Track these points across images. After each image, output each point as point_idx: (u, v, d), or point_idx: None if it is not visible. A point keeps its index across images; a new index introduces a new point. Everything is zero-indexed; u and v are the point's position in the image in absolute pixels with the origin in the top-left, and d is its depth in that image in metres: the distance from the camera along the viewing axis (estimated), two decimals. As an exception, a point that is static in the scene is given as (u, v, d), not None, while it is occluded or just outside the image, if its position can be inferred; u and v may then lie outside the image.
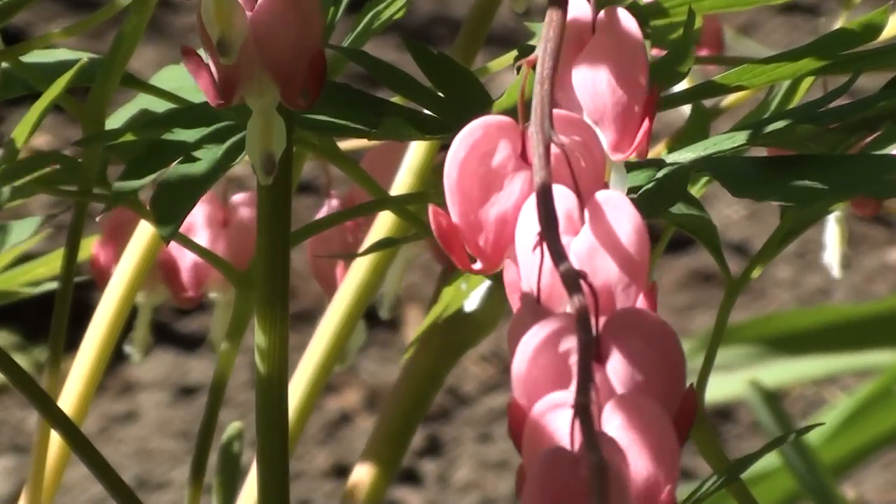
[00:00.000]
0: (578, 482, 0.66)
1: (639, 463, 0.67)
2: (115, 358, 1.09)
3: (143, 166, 0.90)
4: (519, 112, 0.70)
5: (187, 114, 0.91)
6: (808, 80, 0.98)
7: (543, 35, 0.71)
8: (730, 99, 0.98)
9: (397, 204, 1.00)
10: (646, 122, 0.73)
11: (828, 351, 2.18)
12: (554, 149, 0.69)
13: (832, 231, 1.05)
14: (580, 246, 0.69)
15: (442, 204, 0.71)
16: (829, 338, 2.18)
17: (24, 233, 0.75)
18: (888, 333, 1.95)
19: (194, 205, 0.91)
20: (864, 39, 0.98)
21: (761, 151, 1.00)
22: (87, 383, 1.06)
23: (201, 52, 0.85)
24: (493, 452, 2.45)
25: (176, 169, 0.89)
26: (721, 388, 2.12)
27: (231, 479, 1.03)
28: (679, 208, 0.92)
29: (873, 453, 2.08)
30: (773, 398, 1.95)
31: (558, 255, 0.68)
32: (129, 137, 0.91)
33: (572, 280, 0.68)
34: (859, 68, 0.98)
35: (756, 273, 1.03)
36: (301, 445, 2.34)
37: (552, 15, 0.70)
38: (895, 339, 1.85)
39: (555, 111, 0.70)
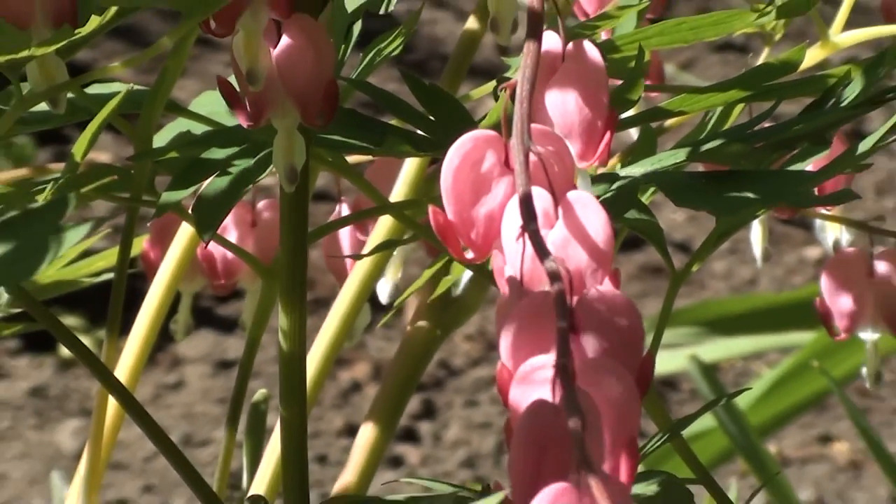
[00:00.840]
0: (559, 429, 0.66)
1: (608, 414, 0.67)
2: (166, 337, 1.08)
3: (186, 179, 0.89)
4: (502, 127, 0.70)
5: (222, 135, 0.91)
6: (739, 107, 0.97)
7: (522, 63, 0.70)
8: (672, 121, 0.97)
9: (395, 209, 0.99)
10: (607, 136, 0.73)
11: (755, 332, 2.17)
12: (532, 157, 0.69)
13: (757, 232, 1.05)
14: (556, 237, 0.69)
15: (438, 204, 0.71)
16: (755, 321, 2.17)
17: (79, 234, 0.74)
18: (805, 317, 1.95)
19: (229, 212, 0.91)
20: (783, 73, 0.98)
21: (699, 166, 1.00)
22: (138, 358, 1.06)
23: (234, 81, 0.85)
24: (478, 415, 2.44)
25: (213, 182, 0.89)
26: (666, 362, 2.12)
27: (258, 437, 1.03)
28: (632, 213, 0.92)
29: (792, 417, 2.07)
30: (710, 370, 1.95)
31: (538, 245, 0.68)
32: (173, 155, 0.90)
33: (550, 265, 0.67)
34: (780, 97, 0.97)
35: (695, 267, 1.03)
36: (319, 410, 2.34)
37: (529, 46, 0.70)
38: (811, 322, 1.84)
39: (532, 126, 0.69)
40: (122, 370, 1.06)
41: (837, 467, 2.38)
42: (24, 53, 0.83)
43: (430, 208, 0.71)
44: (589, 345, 0.67)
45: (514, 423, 0.67)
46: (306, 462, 0.94)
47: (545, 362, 0.67)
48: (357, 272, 1.07)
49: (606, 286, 0.69)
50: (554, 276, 0.68)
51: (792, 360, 1.98)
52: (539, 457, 0.66)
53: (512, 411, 0.68)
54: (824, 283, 1.03)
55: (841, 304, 1.02)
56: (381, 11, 0.95)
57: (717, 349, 2.15)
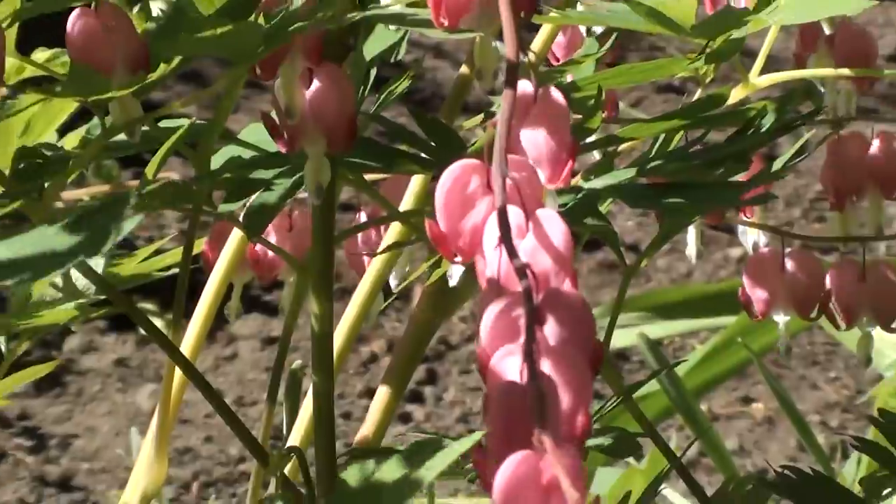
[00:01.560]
0: (525, 404, 0.65)
1: (565, 391, 0.66)
2: (222, 319, 1.08)
3: (237, 194, 0.89)
4: (485, 156, 0.69)
5: (265, 159, 0.90)
6: (679, 133, 0.96)
7: (502, 105, 0.70)
8: (626, 145, 0.96)
9: (404, 217, 0.99)
10: (569, 163, 0.72)
11: (690, 315, 2.17)
12: (508, 181, 0.68)
13: (692, 234, 1.04)
14: (526, 246, 0.68)
15: (434, 218, 0.70)
16: (690, 306, 2.17)
17: (133, 224, 0.74)
18: (730, 304, 1.94)
19: (271, 220, 0.91)
20: (713, 107, 0.97)
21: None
22: (199, 336, 1.05)
23: (275, 116, 0.84)
24: (471, 381, 2.43)
25: (259, 196, 0.88)
26: (620, 339, 2.11)
27: (296, 399, 1.02)
28: (591, 220, 0.92)
29: (719, 382, 2.07)
30: (654, 345, 1.94)
31: (512, 252, 0.67)
32: (226, 175, 0.90)
33: (521, 269, 0.67)
34: (710, 126, 0.97)
35: (644, 263, 1.02)
36: (343, 376, 2.33)
37: (507, 91, 0.69)
38: (734, 308, 1.83)
39: (509, 156, 0.69)
40: (186, 346, 1.05)
41: (755, 422, 2.37)
42: (108, 94, 0.83)
43: (427, 221, 0.70)
44: (551, 334, 0.67)
45: (490, 397, 0.67)
46: (333, 418, 0.93)
47: (515, 349, 0.67)
48: (373, 267, 1.06)
49: (567, 286, 0.69)
50: (523, 278, 0.68)
51: (719, 337, 1.97)
52: (509, 424, 0.66)
53: (488, 387, 0.67)
54: (745, 276, 1.03)
55: (758, 292, 1.02)
56: (392, 60, 0.95)
57: (660, 329, 2.14)
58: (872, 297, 1.02)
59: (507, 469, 0.65)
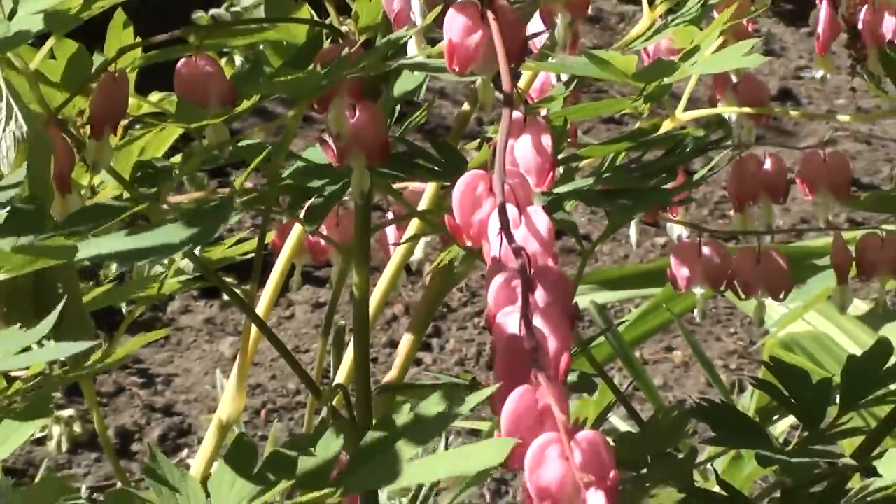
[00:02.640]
0: (523, 350, 0.65)
1: (552, 340, 0.66)
2: (285, 289, 1.07)
3: (299, 198, 0.88)
4: (489, 168, 0.69)
5: (320, 171, 0.90)
6: (623, 153, 0.96)
7: (500, 130, 0.69)
8: (584, 162, 0.96)
9: (421, 215, 0.99)
10: (551, 173, 0.72)
11: (627, 287, 2.16)
12: (506, 186, 0.68)
13: (633, 227, 1.03)
14: (520, 234, 0.68)
15: (450, 214, 0.70)
16: (628, 281, 2.16)
17: (233, 220, 0.74)
18: (657, 279, 1.94)
19: (325, 217, 0.90)
20: (649, 134, 0.97)
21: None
22: (269, 301, 1.05)
23: (328, 139, 0.84)
24: (466, 335, 2.43)
25: (315, 199, 0.88)
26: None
27: (340, 348, 1.02)
28: (560, 214, 0.91)
29: (649, 336, 2.06)
30: (602, 309, 1.95)
31: (510, 238, 0.67)
32: (290, 182, 0.90)
33: (517, 250, 0.67)
34: (647, 148, 0.96)
35: (595, 249, 1.02)
36: (373, 332, 2.33)
37: (504, 120, 0.69)
38: (660, 282, 1.83)
39: (507, 167, 0.69)
40: (259, 309, 1.05)
41: (675, 366, 2.37)
42: (204, 122, 0.83)
43: (446, 216, 0.70)
44: (540, 299, 0.67)
45: (497, 346, 0.67)
46: (368, 363, 0.93)
47: (515, 310, 0.67)
48: (397, 253, 1.06)
49: (550, 263, 0.69)
50: (518, 257, 0.67)
51: (649, 304, 1.97)
52: (511, 365, 0.66)
53: (495, 338, 0.67)
54: (672, 258, 1.02)
55: (682, 271, 1.01)
56: (409, 100, 0.95)
57: (606, 297, 2.14)
58: (764, 275, 1.01)
59: (512, 399, 0.65)
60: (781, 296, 1.02)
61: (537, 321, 0.66)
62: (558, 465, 0.63)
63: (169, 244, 0.76)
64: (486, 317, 0.68)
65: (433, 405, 0.73)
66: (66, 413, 2.13)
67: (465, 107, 1.04)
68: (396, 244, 1.05)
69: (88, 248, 0.74)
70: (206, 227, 0.76)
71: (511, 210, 0.69)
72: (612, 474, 0.63)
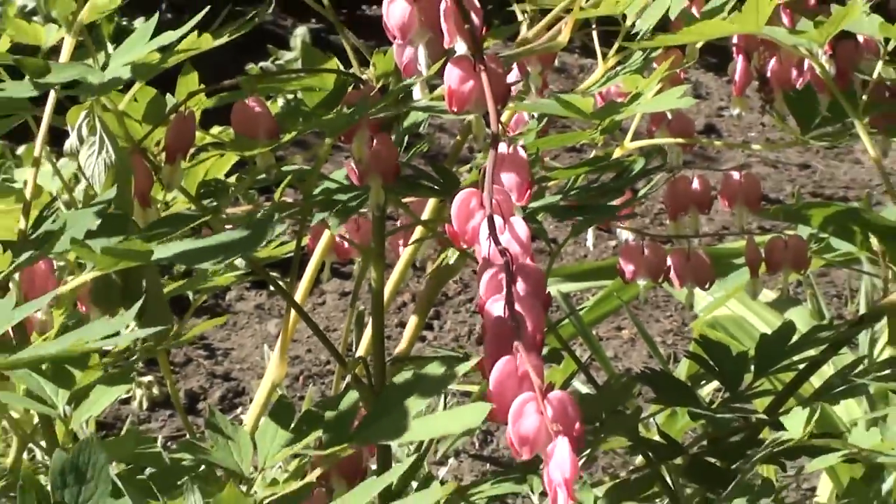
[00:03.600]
0: (507, 329, 0.65)
1: (529, 321, 0.65)
2: (317, 281, 1.07)
3: (327, 208, 0.88)
4: (480, 186, 0.69)
5: (344, 189, 0.89)
6: (583, 176, 0.96)
7: (489, 156, 0.69)
8: (552, 182, 0.95)
9: (424, 223, 0.98)
10: (529, 191, 0.71)
11: (586, 280, 2.15)
12: (493, 201, 0.68)
13: (590, 233, 1.03)
14: (504, 238, 0.67)
15: (449, 223, 0.70)
16: (586, 275, 2.15)
17: (280, 229, 0.73)
18: (609, 273, 1.93)
19: (347, 222, 0.90)
20: (604, 160, 0.97)
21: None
22: (305, 291, 1.04)
23: (352, 163, 0.84)
24: (460, 317, 2.42)
25: (339, 209, 0.87)
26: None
27: (361, 327, 1.02)
28: (534, 224, 0.91)
29: (603, 318, 2.06)
30: (566, 297, 1.94)
31: (497, 242, 0.67)
32: (322, 198, 0.89)
33: (502, 251, 0.66)
34: (602, 171, 0.96)
35: (561, 250, 1.01)
36: (386, 315, 2.33)
37: (492, 148, 0.69)
38: (612, 276, 1.82)
39: (493, 186, 0.68)
40: (298, 296, 1.04)
41: (624, 341, 2.37)
42: (255, 151, 0.82)
43: (446, 225, 0.70)
44: (521, 289, 0.66)
45: (486, 325, 0.67)
46: (383, 340, 0.92)
47: (500, 297, 0.66)
48: (405, 253, 1.05)
49: (528, 261, 0.68)
50: (503, 256, 0.67)
51: (603, 293, 1.96)
52: (498, 340, 0.65)
53: (485, 320, 0.67)
54: (621, 257, 1.02)
55: (629, 267, 1.01)
56: (418, 132, 0.94)
57: (569, 287, 2.13)
58: (693, 270, 1.01)
59: (498, 366, 0.65)
60: (707, 286, 1.02)
61: (518, 306, 0.66)
62: (535, 418, 0.63)
63: (228, 249, 0.75)
64: (477, 303, 0.68)
65: (434, 370, 0.73)
66: (146, 379, 2.12)
67: (458, 138, 1.03)
68: (405, 245, 1.05)
69: (164, 251, 0.74)
70: (256, 235, 0.76)
71: (497, 220, 0.68)
72: (576, 426, 0.63)
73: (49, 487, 0.58)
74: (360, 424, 0.73)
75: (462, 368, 0.71)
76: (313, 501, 0.78)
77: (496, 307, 0.66)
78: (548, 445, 0.63)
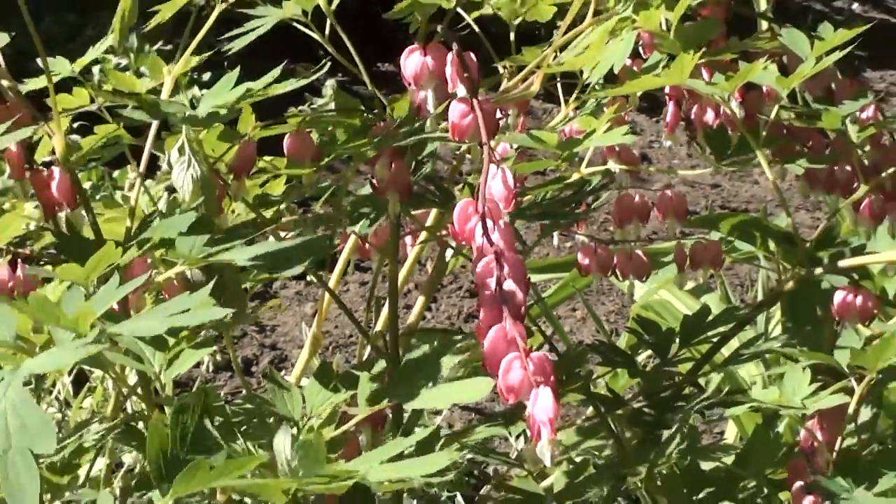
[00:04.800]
0: (498, 304, 0.65)
1: (515, 297, 0.66)
2: (345, 273, 1.06)
3: (355, 220, 0.88)
4: (475, 197, 0.69)
5: (368, 201, 0.89)
6: (550, 192, 0.96)
7: (482, 173, 0.69)
8: (526, 197, 0.95)
9: (428, 229, 0.98)
10: (514, 201, 0.72)
11: (549, 272, 2.15)
12: (486, 208, 0.68)
13: (556, 235, 1.03)
14: (496, 237, 0.68)
15: (451, 225, 0.70)
16: (550, 268, 2.14)
17: (332, 242, 0.74)
18: (567, 267, 1.93)
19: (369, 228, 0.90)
20: (565, 180, 0.97)
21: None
22: (336, 281, 1.04)
23: (373, 182, 0.84)
24: (453, 302, 2.41)
25: (365, 219, 0.88)
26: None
27: (378, 309, 1.01)
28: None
29: (562, 302, 2.05)
30: (534, 285, 1.92)
31: (489, 239, 0.67)
32: (349, 209, 0.89)
33: (495, 247, 0.66)
34: (564, 188, 0.96)
35: (532, 249, 1.01)
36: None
37: (485, 166, 0.69)
38: (570, 269, 1.82)
39: (486, 196, 0.69)
40: (330, 284, 1.04)
41: (577, 320, 2.37)
42: (303, 171, 0.82)
43: (449, 226, 0.70)
44: (507, 273, 0.67)
45: (481, 301, 0.67)
46: (397, 318, 0.92)
47: (492, 279, 0.66)
48: (413, 251, 1.05)
49: (513, 254, 0.69)
50: (493, 248, 0.67)
51: (562, 282, 1.96)
52: (491, 311, 0.66)
53: (480, 295, 0.67)
54: (579, 255, 1.02)
55: (585, 262, 1.01)
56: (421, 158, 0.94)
57: (536, 278, 2.11)
58: (634, 266, 1.01)
59: (491, 332, 0.65)
60: (644, 279, 1.02)
61: (506, 285, 0.66)
62: (520, 372, 0.64)
63: (300, 253, 0.74)
64: (474, 283, 0.68)
65: (436, 346, 0.73)
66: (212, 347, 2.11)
67: (454, 163, 1.03)
68: (412, 246, 1.05)
69: (246, 253, 0.73)
70: (319, 246, 0.75)
71: (489, 223, 0.69)
72: (552, 378, 0.64)
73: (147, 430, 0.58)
74: (386, 388, 0.73)
75: (457, 341, 0.71)
76: (350, 444, 0.78)
77: (489, 286, 0.66)
78: (528, 394, 0.63)
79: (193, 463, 0.51)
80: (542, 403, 0.63)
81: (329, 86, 2.61)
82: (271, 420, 0.74)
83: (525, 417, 0.63)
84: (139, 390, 0.80)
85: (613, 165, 1.00)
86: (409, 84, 0.74)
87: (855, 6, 3.02)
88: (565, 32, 0.82)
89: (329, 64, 0.85)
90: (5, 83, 0.73)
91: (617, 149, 1.00)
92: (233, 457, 0.57)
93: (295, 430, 0.71)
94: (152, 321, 0.57)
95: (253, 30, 0.81)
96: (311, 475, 0.56)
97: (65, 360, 0.56)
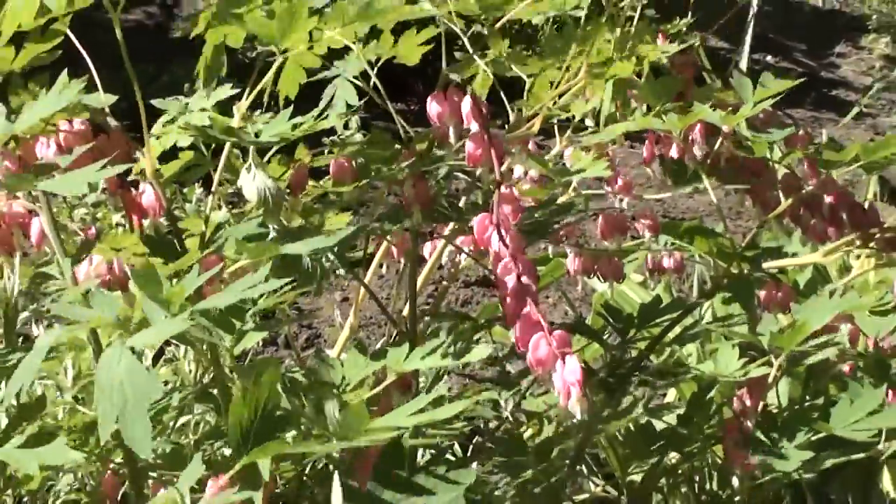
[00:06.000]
0: (517, 293, 0.65)
1: (530, 288, 0.65)
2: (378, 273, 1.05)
3: (386, 232, 0.86)
4: (491, 211, 0.68)
5: (397, 213, 0.88)
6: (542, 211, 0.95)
7: (495, 195, 0.69)
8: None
9: (446, 238, 0.96)
10: (519, 215, 0.71)
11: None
12: (500, 219, 0.68)
13: (550, 247, 1.02)
14: (507, 241, 0.67)
15: (472, 234, 0.69)
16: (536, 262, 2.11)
17: (355, 236, 0.72)
18: (542, 262, 1.90)
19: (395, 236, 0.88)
20: (554, 202, 0.96)
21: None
22: (371, 276, 1.02)
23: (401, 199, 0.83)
24: (453, 289, 2.39)
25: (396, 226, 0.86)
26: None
27: (404, 299, 1.00)
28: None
29: (541, 291, 2.01)
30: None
31: (504, 244, 0.67)
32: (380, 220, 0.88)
33: (511, 251, 0.66)
34: (548, 207, 0.96)
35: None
36: (420, 295, 2.28)
37: (497, 190, 0.69)
38: (545, 263, 1.79)
39: (501, 211, 0.68)
40: (366, 279, 1.02)
41: (550, 304, 2.35)
42: (347, 188, 0.81)
43: (470, 236, 0.70)
44: (520, 270, 0.67)
45: (503, 292, 0.66)
46: (416, 304, 0.90)
47: (512, 276, 0.66)
48: (433, 255, 1.02)
49: (524, 257, 0.68)
50: (507, 251, 0.67)
51: (542, 274, 1.93)
52: (513, 300, 0.65)
53: (501, 289, 0.66)
54: (569, 261, 1.00)
55: (573, 265, 1.00)
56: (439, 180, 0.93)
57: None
58: (613, 270, 1.00)
59: (522, 317, 0.64)
60: (621, 281, 1.01)
61: (522, 279, 0.66)
62: (546, 348, 0.63)
63: (326, 246, 0.74)
64: (494, 280, 0.67)
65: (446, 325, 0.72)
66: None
67: (471, 180, 1.02)
68: (432, 251, 1.04)
69: (288, 248, 0.73)
70: (346, 241, 0.75)
71: (503, 231, 0.68)
72: (571, 350, 0.63)
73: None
74: (407, 360, 0.73)
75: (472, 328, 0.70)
76: (383, 406, 0.78)
77: (508, 280, 0.66)
78: (554, 364, 0.63)
79: (265, 445, 0.51)
80: (570, 368, 0.63)
81: (354, 120, 2.61)
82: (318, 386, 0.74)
83: (517, 382, 0.63)
84: (211, 361, 0.80)
85: (598, 192, 0.97)
86: (434, 121, 0.74)
87: (769, 58, 3.03)
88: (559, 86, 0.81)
89: (359, 104, 0.84)
90: (112, 122, 0.73)
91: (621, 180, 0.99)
92: (294, 420, 0.57)
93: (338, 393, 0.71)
94: (227, 296, 0.58)
95: (335, 75, 0.80)
96: (355, 432, 0.56)
97: (160, 336, 0.56)
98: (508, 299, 0.65)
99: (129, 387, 0.53)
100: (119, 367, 0.54)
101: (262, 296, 0.66)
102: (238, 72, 0.81)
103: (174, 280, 0.66)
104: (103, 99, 0.69)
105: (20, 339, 0.98)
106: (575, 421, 0.61)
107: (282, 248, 0.71)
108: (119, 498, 0.78)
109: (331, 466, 0.67)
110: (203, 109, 0.76)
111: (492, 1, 0.76)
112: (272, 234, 0.73)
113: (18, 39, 0.69)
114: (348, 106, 0.85)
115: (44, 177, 0.63)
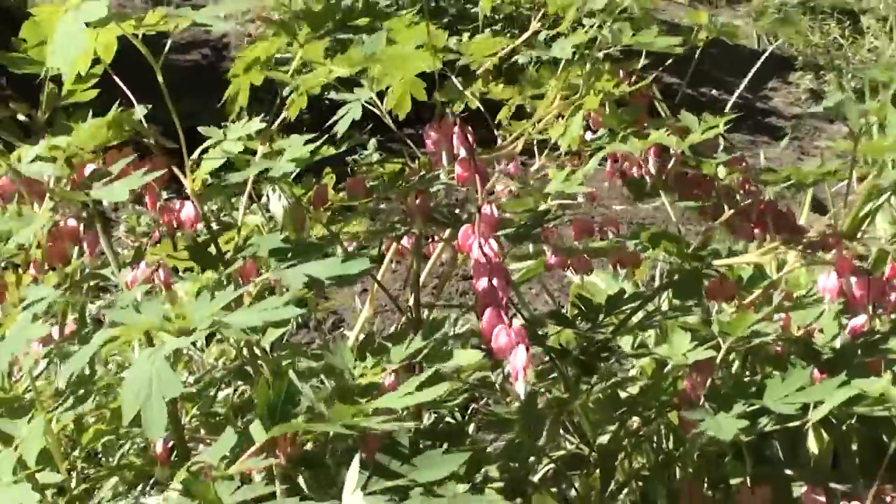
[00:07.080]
0: (489, 294, 0.63)
1: (501, 291, 0.64)
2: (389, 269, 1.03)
3: (397, 235, 0.85)
4: (473, 224, 0.67)
5: (403, 222, 0.87)
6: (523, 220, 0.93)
7: (477, 211, 0.67)
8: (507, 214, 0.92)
9: (444, 240, 0.94)
10: (497, 227, 0.70)
11: (522, 262, 2.08)
12: (480, 230, 0.66)
13: (530, 245, 1.00)
14: (487, 248, 0.66)
15: (457, 241, 0.68)
16: (522, 258, 2.07)
17: (366, 262, 0.70)
18: (531, 258, 1.84)
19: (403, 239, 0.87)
20: (535, 210, 0.94)
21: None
22: (385, 271, 1.00)
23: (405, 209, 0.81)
24: (453, 282, 2.36)
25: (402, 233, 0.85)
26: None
27: (412, 291, 0.98)
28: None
29: (526, 283, 1.95)
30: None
31: (483, 253, 0.65)
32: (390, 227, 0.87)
33: (486, 257, 0.65)
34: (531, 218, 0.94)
35: (509, 254, 0.97)
36: (422, 288, 2.25)
37: (482, 207, 0.67)
38: (532, 258, 1.74)
39: (481, 223, 0.67)
40: (379, 276, 1.01)
41: (534, 294, 2.32)
42: (365, 202, 0.80)
43: (455, 242, 0.68)
44: (493, 273, 0.65)
45: (477, 293, 0.65)
46: (419, 296, 0.89)
47: (485, 278, 0.65)
48: (434, 255, 1.01)
49: (499, 262, 0.67)
50: (485, 257, 0.65)
51: (527, 269, 1.90)
52: (485, 301, 0.64)
53: (477, 290, 0.65)
54: (548, 258, 0.98)
55: (551, 261, 0.98)
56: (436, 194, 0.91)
57: (512, 266, 2.04)
58: (583, 264, 0.99)
59: (486, 313, 0.63)
60: (589, 273, 0.98)
61: (493, 281, 0.64)
62: (505, 338, 0.62)
63: (351, 274, 0.71)
64: (472, 283, 0.66)
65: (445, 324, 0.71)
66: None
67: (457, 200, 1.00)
68: (432, 252, 1.02)
69: (309, 269, 0.70)
70: (357, 266, 0.72)
71: (482, 240, 0.67)
72: (526, 341, 0.62)
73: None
74: (414, 352, 0.71)
75: (458, 322, 0.69)
76: (389, 386, 0.76)
77: (483, 283, 0.65)
78: (511, 352, 0.62)
79: (281, 425, 0.51)
80: (519, 357, 0.62)
81: (371, 144, 2.61)
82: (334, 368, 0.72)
83: (503, 366, 0.62)
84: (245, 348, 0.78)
85: (571, 202, 0.96)
86: (429, 147, 0.72)
87: (714, 92, 3.01)
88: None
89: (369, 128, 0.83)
90: (155, 142, 0.72)
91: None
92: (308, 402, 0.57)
93: (349, 375, 0.69)
94: (251, 315, 0.57)
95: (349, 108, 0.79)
96: (346, 417, 0.55)
97: (190, 341, 0.56)
98: (480, 297, 0.64)
99: (156, 383, 0.55)
100: (151, 367, 0.55)
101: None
102: (259, 97, 0.79)
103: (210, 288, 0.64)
104: (139, 112, 0.68)
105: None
106: (520, 396, 0.60)
107: (303, 269, 0.69)
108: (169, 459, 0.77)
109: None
110: (239, 139, 0.74)
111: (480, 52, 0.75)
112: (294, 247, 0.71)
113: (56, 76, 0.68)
114: (354, 122, 0.82)
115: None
